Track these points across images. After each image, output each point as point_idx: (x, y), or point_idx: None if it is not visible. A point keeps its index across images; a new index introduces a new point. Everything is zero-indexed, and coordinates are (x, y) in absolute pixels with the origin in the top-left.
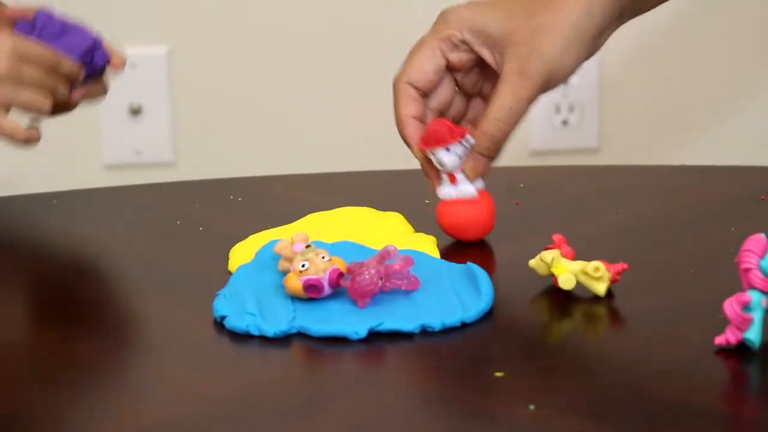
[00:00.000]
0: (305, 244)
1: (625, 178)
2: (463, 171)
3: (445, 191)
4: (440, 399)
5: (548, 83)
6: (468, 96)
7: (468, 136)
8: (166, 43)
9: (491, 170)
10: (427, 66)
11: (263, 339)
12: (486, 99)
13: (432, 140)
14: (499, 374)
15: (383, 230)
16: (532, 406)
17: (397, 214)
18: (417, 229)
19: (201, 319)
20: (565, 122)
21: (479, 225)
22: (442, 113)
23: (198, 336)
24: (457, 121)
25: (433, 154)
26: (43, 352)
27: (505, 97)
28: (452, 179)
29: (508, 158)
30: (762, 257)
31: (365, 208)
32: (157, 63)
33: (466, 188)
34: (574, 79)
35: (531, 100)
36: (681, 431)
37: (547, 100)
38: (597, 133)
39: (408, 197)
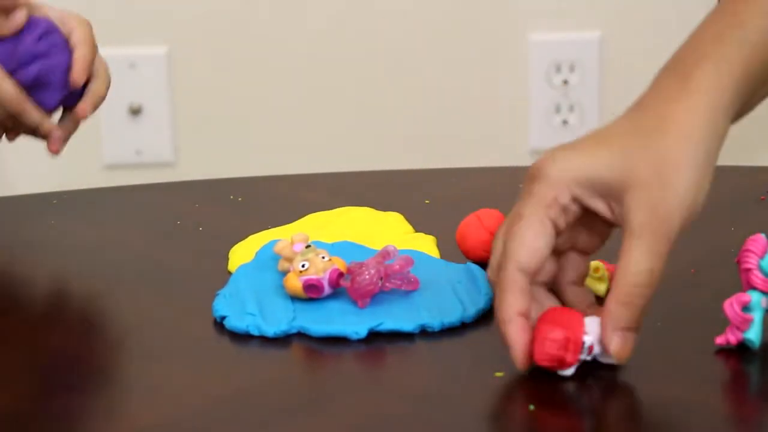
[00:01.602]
0: (305, 244)
1: None
2: (605, 351)
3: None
4: (440, 399)
5: (687, 225)
6: (558, 253)
7: (587, 337)
8: (165, 43)
9: None
10: (539, 243)
11: (263, 339)
12: (580, 251)
13: (547, 363)
14: (499, 374)
15: (383, 230)
16: (531, 406)
17: (397, 214)
18: (417, 229)
19: (201, 319)
20: (565, 122)
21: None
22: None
23: (198, 336)
24: (550, 284)
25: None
26: (39, 352)
27: (642, 257)
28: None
29: (507, 158)
30: (762, 257)
31: (365, 208)
32: (156, 63)
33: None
34: (574, 79)
35: (668, 252)
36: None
37: (547, 100)
38: None
39: (408, 197)
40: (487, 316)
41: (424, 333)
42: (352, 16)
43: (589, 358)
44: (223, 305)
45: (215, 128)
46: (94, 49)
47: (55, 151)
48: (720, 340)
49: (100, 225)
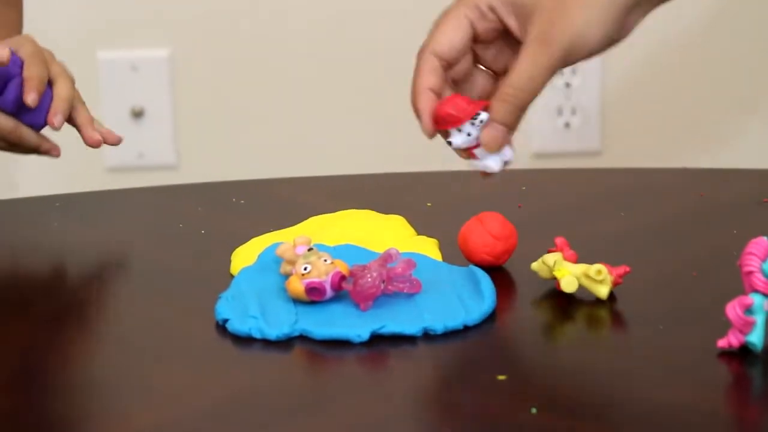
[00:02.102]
0: (307, 247)
1: (627, 180)
2: (481, 144)
3: (473, 165)
4: (442, 402)
5: (570, 54)
6: (486, 70)
7: (481, 113)
8: (167, 45)
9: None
10: (455, 35)
11: (265, 342)
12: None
13: (441, 120)
14: (501, 377)
15: (385, 233)
16: (534, 410)
17: (399, 217)
18: (419, 232)
19: (203, 322)
20: (567, 125)
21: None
22: (457, 86)
23: (200, 338)
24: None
25: (447, 135)
26: (42, 353)
27: (525, 64)
28: (472, 155)
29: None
30: (764, 260)
31: (367, 211)
32: (158, 66)
33: (490, 163)
34: (576, 81)
35: (552, 68)
36: None
37: (549, 102)
38: (599, 135)
39: (410, 200)
40: (490, 320)
41: (427, 336)
42: (353, 18)
43: (476, 130)
44: (226, 308)
45: (217, 131)
46: (41, 62)
47: (58, 156)
48: (722, 343)
49: (102, 228)
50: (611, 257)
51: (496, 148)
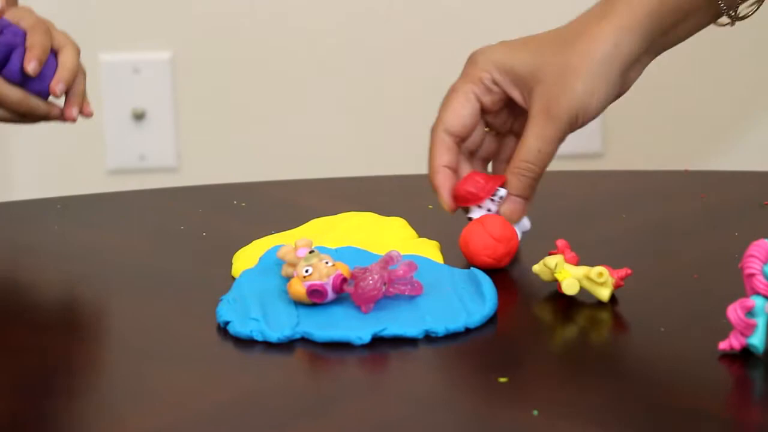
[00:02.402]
0: (309, 250)
1: (628, 182)
2: (501, 216)
3: None
4: (444, 405)
5: (575, 123)
6: (498, 134)
7: (500, 190)
8: (169, 48)
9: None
10: (463, 111)
11: (267, 344)
12: (518, 136)
13: (462, 200)
14: (502, 380)
15: (386, 235)
16: (535, 412)
17: (401, 219)
18: (420, 234)
19: (205, 325)
20: None
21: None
22: (472, 153)
23: (202, 341)
24: (489, 160)
25: (467, 212)
26: (44, 357)
27: (533, 138)
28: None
29: None
30: (765, 262)
31: (368, 213)
32: (160, 68)
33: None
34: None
35: (559, 139)
36: None
37: None
38: (600, 137)
39: (411, 202)
40: (491, 322)
41: (428, 338)
42: (355, 20)
43: (495, 206)
44: (227, 310)
45: (219, 133)
46: (43, 32)
47: (74, 120)
48: (724, 345)
49: (103, 230)
50: (612, 259)
51: (516, 220)
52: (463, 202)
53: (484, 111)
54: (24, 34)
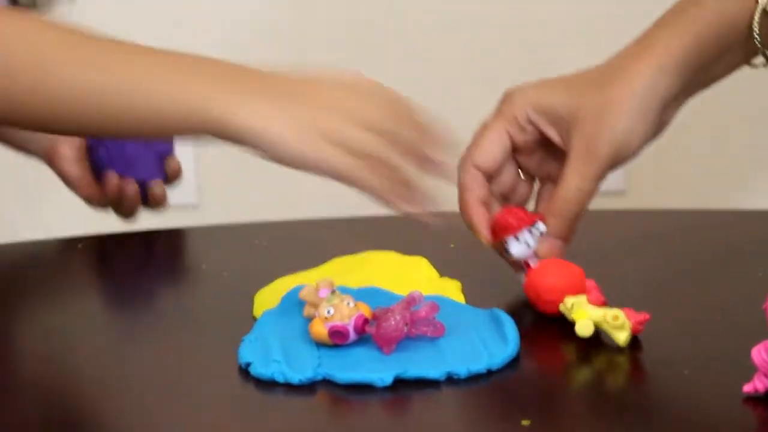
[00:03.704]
0: (330, 290)
1: (650, 222)
2: (537, 256)
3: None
4: None
5: (616, 160)
6: (531, 178)
7: (539, 223)
8: None
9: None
10: (494, 148)
11: (289, 386)
12: (553, 180)
13: (500, 229)
14: (525, 422)
15: (408, 275)
16: None
17: (422, 258)
18: (442, 274)
19: (227, 366)
20: None
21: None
22: (505, 199)
23: (223, 383)
24: (522, 206)
25: (505, 245)
26: (61, 399)
27: (573, 177)
28: (527, 266)
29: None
30: None
31: (390, 252)
32: None
33: None
34: None
35: (599, 178)
36: None
37: None
38: (624, 175)
39: (433, 241)
40: (513, 363)
41: (450, 380)
42: (355, 48)
43: (533, 240)
44: (248, 351)
45: (238, 171)
46: None
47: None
48: (748, 388)
49: (124, 270)
50: (633, 301)
51: (554, 257)
52: (501, 233)
53: (516, 150)
54: None
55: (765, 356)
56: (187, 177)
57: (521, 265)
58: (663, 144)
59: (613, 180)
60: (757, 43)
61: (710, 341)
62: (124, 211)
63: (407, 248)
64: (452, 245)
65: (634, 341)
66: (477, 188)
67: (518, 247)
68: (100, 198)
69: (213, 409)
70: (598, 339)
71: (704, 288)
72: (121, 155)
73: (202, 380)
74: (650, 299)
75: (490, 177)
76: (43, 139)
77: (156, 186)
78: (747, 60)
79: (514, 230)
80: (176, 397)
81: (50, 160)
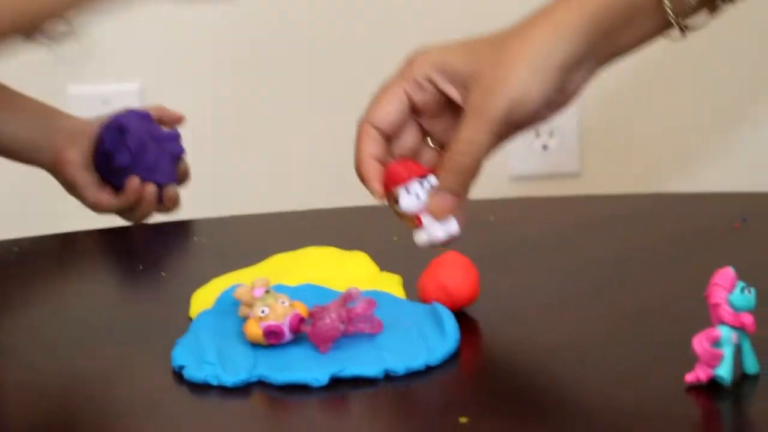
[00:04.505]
0: (265, 289)
1: (603, 207)
2: (429, 211)
3: (418, 236)
4: None
5: (510, 116)
6: (440, 146)
7: (431, 176)
8: (137, 78)
9: (462, 212)
10: (390, 107)
11: (223, 389)
12: None
13: (389, 180)
14: (463, 419)
15: (348, 271)
16: None
17: (362, 253)
18: (383, 268)
19: (161, 370)
20: (545, 147)
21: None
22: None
23: (156, 388)
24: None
25: (396, 198)
26: None
27: (465, 130)
28: (419, 223)
29: (486, 184)
30: (731, 291)
31: (329, 247)
32: (129, 99)
33: (436, 232)
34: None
35: (492, 133)
36: None
37: None
38: (578, 157)
39: (375, 234)
40: (453, 359)
41: (388, 377)
42: (323, 49)
43: (424, 193)
44: (182, 354)
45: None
46: None
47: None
48: (690, 377)
49: (61, 272)
50: (581, 289)
51: (442, 216)
52: (391, 183)
53: (418, 112)
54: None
55: (706, 345)
56: None
57: (413, 222)
58: (617, 124)
59: (569, 161)
60: (668, 9)
61: (653, 330)
62: (139, 215)
63: (349, 242)
64: (395, 238)
65: (574, 334)
66: (371, 145)
67: (408, 200)
68: (111, 204)
69: (144, 415)
70: (539, 333)
71: (648, 276)
72: (143, 161)
73: (134, 385)
74: (599, 287)
75: (388, 137)
76: (48, 147)
77: (170, 188)
78: (660, 30)
79: (403, 180)
80: (105, 404)
81: (57, 167)
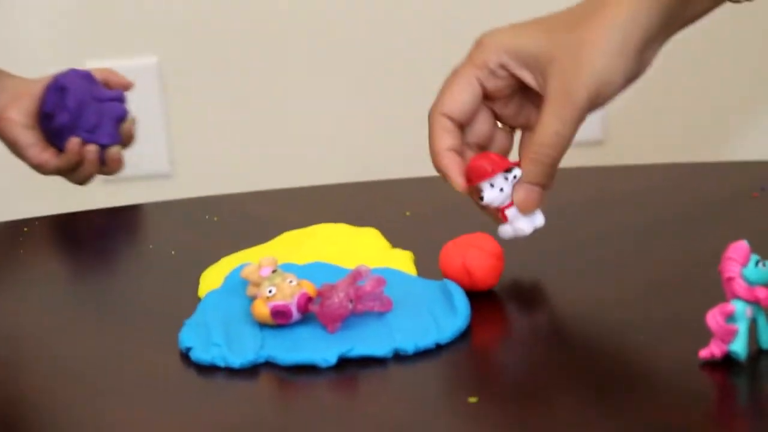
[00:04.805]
0: (272, 269)
1: (625, 178)
2: (514, 205)
3: (503, 230)
4: (412, 427)
5: (596, 101)
6: (511, 128)
7: (515, 169)
8: (155, 53)
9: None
10: (463, 96)
11: (230, 371)
12: (533, 129)
13: (473, 174)
14: (472, 399)
15: (358, 248)
16: None
17: (373, 229)
18: (394, 244)
19: (167, 351)
20: None
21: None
22: (483, 149)
23: (163, 370)
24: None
25: (480, 192)
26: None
27: (550, 120)
28: (503, 217)
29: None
30: (744, 265)
31: (341, 224)
32: (148, 73)
33: (521, 225)
34: None
35: (578, 120)
36: None
37: None
38: (600, 124)
39: (387, 210)
40: (463, 337)
41: (398, 357)
42: (342, 27)
43: (508, 186)
44: (190, 335)
45: (211, 139)
46: None
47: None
48: (704, 353)
49: (70, 253)
50: (602, 261)
51: (529, 210)
52: (475, 178)
53: (489, 98)
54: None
55: (720, 320)
56: (158, 147)
57: (497, 215)
58: (641, 89)
59: (591, 129)
60: None
61: (667, 306)
62: (81, 176)
63: (361, 218)
64: (407, 213)
65: (589, 310)
66: (447, 136)
67: (492, 193)
68: (54, 164)
69: (152, 399)
70: (550, 310)
71: (665, 249)
72: (83, 121)
73: (141, 367)
74: (615, 260)
75: (461, 126)
76: None
77: (113, 150)
78: None
79: (487, 175)
80: (113, 386)
81: None
